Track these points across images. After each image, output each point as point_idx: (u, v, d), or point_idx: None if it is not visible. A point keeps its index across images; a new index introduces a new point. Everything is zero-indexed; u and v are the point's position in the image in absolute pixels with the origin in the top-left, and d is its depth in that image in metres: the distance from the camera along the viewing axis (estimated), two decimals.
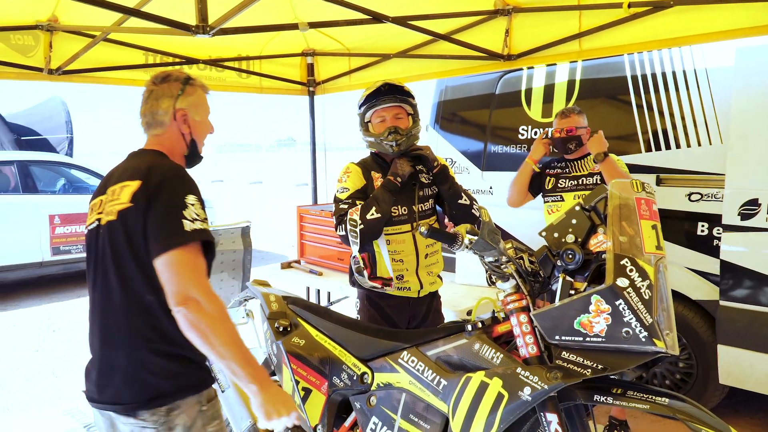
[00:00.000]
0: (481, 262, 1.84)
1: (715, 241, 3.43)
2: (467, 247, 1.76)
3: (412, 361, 2.00)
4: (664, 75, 3.71)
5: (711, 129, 3.48)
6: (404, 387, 1.99)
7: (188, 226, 1.61)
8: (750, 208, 3.20)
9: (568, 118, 3.36)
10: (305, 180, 6.34)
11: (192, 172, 1.93)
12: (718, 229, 3.39)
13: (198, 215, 1.65)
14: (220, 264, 4.49)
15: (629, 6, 3.12)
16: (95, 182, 8.18)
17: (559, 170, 3.50)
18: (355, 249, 2.56)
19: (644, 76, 3.80)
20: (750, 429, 3.63)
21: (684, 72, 3.62)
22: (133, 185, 1.68)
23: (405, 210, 2.68)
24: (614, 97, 3.99)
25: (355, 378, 2.15)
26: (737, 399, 3.83)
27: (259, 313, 2.57)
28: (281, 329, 2.39)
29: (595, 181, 3.35)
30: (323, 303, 5.03)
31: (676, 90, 3.65)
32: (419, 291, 2.73)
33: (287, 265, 4.65)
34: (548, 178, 3.53)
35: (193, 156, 1.98)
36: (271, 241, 11.26)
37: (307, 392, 2.25)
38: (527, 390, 1.65)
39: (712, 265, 3.43)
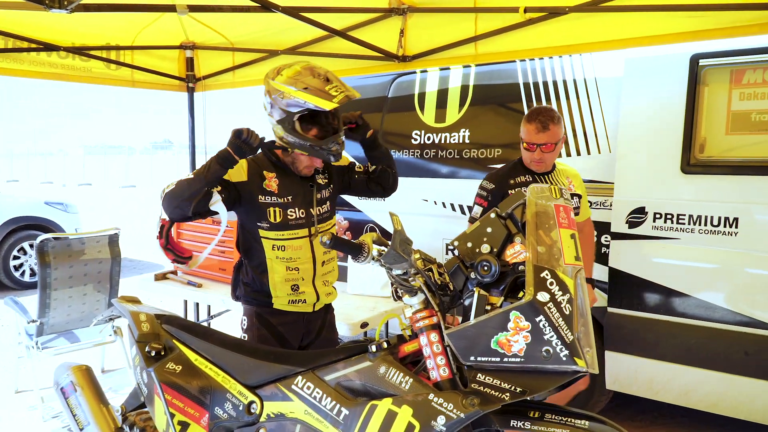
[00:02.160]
0: (388, 275, 1.64)
1: (604, 249, 3.47)
2: (375, 259, 1.55)
3: (308, 388, 1.76)
4: (555, 83, 3.74)
5: (600, 138, 3.54)
6: (298, 417, 1.74)
7: None
8: (637, 216, 3.27)
9: (547, 132, 2.78)
10: None
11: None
12: (607, 237, 3.44)
13: None
14: (83, 276, 4.01)
15: (525, 11, 3.09)
16: None
17: (524, 186, 2.98)
18: (163, 212, 2.26)
19: (536, 84, 3.82)
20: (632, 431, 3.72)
21: (575, 81, 3.66)
22: None
23: (303, 213, 2.42)
24: (506, 105, 3.98)
25: (241, 408, 1.88)
26: (618, 402, 3.91)
27: (128, 335, 2.22)
28: (153, 354, 2.06)
29: (575, 204, 2.95)
30: (203, 317, 4.64)
31: (566, 99, 3.69)
32: (315, 304, 2.50)
33: (162, 276, 4.23)
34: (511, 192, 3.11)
35: None
36: (145, 249, 10.49)
37: (185, 426, 1.94)
38: (441, 419, 1.46)
39: (601, 273, 3.47)
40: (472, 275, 1.61)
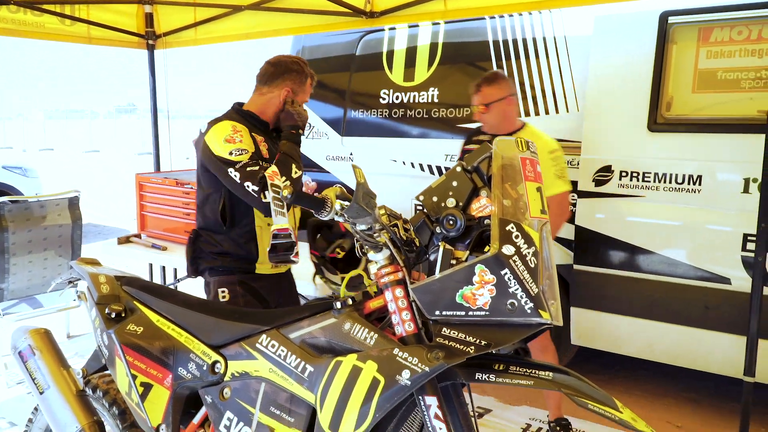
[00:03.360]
0: (352, 231, 1.61)
1: (571, 208, 3.49)
2: (338, 214, 1.52)
3: (273, 346, 1.73)
4: (524, 41, 3.70)
5: (569, 97, 3.52)
6: (263, 376, 1.72)
7: None
8: (603, 174, 3.28)
9: (479, 93, 2.87)
10: (148, 149, 5.70)
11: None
12: (574, 196, 3.45)
13: None
14: (43, 240, 3.91)
15: None
16: None
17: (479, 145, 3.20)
18: (282, 221, 2.12)
19: (505, 42, 3.77)
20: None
21: (544, 39, 3.62)
22: None
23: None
24: (476, 63, 3.93)
25: (204, 368, 1.85)
26: (582, 357, 4.00)
27: (88, 298, 2.16)
28: (113, 315, 2.01)
29: None
30: (169, 281, 4.57)
31: (536, 57, 3.65)
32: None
33: (125, 240, 4.13)
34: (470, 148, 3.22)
35: None
36: (109, 214, 10.29)
37: (147, 387, 1.90)
38: (406, 373, 1.45)
39: (567, 231, 3.49)
40: (438, 230, 1.58)
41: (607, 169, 3.25)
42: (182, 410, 1.91)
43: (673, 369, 3.40)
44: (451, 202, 1.58)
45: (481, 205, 1.56)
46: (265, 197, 2.18)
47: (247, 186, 2.18)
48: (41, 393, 1.96)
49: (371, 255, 1.65)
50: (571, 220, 3.43)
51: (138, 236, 4.18)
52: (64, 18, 4.27)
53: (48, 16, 4.18)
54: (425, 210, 1.63)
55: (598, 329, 3.43)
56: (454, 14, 3.43)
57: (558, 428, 3.05)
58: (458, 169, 1.60)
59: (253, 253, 2.43)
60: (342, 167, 4.49)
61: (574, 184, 3.39)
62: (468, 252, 1.54)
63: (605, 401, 1.45)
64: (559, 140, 3.50)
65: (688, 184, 3.10)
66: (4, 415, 3.26)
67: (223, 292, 2.46)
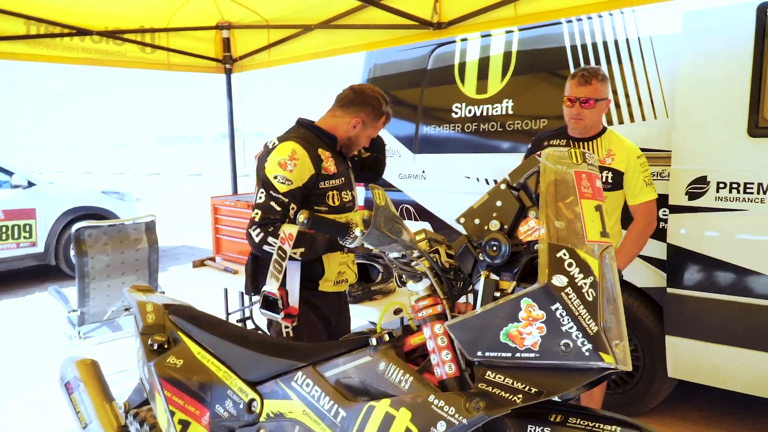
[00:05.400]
0: (386, 259, 1.44)
1: (662, 224, 3.14)
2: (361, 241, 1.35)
3: (307, 385, 1.59)
4: (605, 44, 3.40)
5: (656, 102, 3.19)
6: (297, 418, 1.58)
7: None
8: (698, 186, 2.92)
9: (589, 86, 2.63)
10: (244, 171, 5.81)
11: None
12: (665, 211, 3.11)
13: None
14: (121, 264, 3.99)
15: None
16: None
17: None
18: (273, 285, 2.17)
19: (584, 46, 3.49)
20: (695, 423, 3.39)
21: (627, 40, 3.31)
22: None
23: (349, 195, 2.45)
24: (553, 71, 3.67)
25: (241, 406, 1.73)
26: (684, 389, 3.58)
27: (134, 328, 2.11)
28: (156, 347, 1.95)
29: (605, 180, 2.68)
30: (247, 305, 4.56)
31: (618, 61, 3.35)
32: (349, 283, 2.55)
33: (200, 263, 4.16)
34: None
35: None
36: (202, 235, 10.65)
37: (185, 425, 1.81)
38: (441, 425, 1.26)
39: (659, 250, 3.14)
40: (481, 257, 1.38)
41: (702, 180, 2.89)
42: None
43: None
44: (494, 225, 1.38)
45: (530, 228, 1.34)
46: (252, 230, 2.23)
47: (255, 213, 2.21)
48: (84, 427, 1.92)
49: (410, 285, 1.47)
50: (663, 238, 3.08)
51: (212, 259, 4.20)
52: (144, 46, 4.40)
53: (129, 45, 4.33)
54: (467, 233, 1.44)
55: (699, 361, 3.04)
56: (525, 20, 3.20)
57: None
58: (503, 186, 1.39)
59: (318, 271, 2.38)
60: (415, 186, 4.32)
61: (665, 198, 3.04)
62: (515, 283, 1.33)
63: None
64: (647, 150, 3.18)
65: None
66: None
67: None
